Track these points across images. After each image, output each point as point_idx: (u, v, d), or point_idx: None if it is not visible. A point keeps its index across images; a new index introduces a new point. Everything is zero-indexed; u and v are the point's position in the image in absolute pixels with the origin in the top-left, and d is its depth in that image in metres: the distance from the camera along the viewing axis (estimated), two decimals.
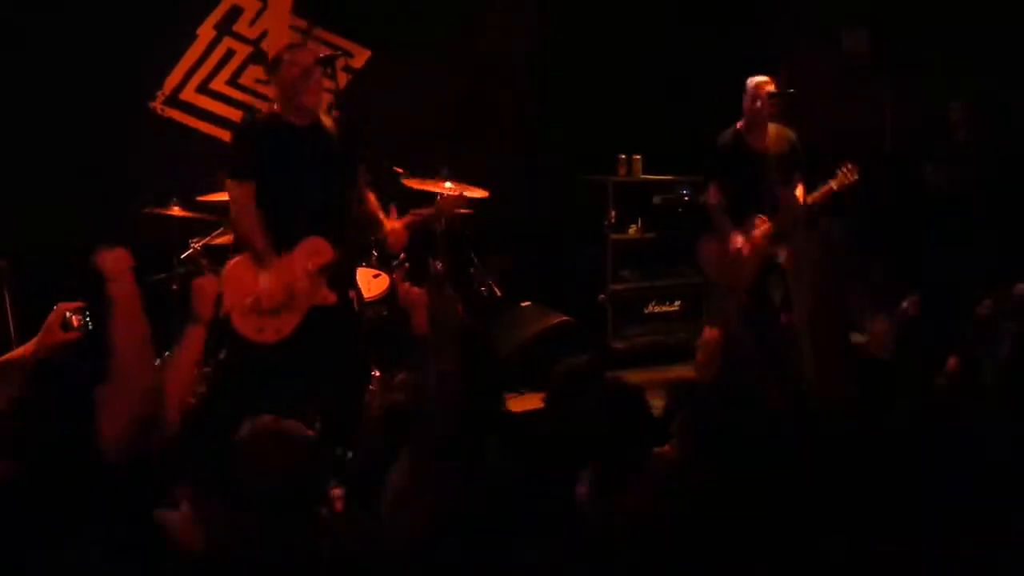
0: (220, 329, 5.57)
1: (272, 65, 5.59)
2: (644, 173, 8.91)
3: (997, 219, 7.95)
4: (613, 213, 8.65)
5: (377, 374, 6.59)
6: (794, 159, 7.12)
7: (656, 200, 8.89)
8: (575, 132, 8.80)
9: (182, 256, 6.78)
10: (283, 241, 5.49)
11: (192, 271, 6.57)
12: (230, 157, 5.68)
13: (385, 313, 6.78)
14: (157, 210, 6.90)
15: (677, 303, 8.84)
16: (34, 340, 4.22)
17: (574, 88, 8.85)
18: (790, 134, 7.18)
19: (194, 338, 3.79)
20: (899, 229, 8.75)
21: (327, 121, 5.60)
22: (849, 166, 6.99)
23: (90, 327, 4.22)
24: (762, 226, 7.07)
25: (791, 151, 7.12)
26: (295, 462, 3.16)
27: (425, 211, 5.97)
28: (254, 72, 7.87)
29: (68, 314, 4.19)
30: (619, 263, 8.70)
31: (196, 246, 6.77)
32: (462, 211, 7.41)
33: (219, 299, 4.97)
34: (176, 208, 6.90)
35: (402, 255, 7.20)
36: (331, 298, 5.54)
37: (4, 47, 7.12)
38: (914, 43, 8.77)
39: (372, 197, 5.88)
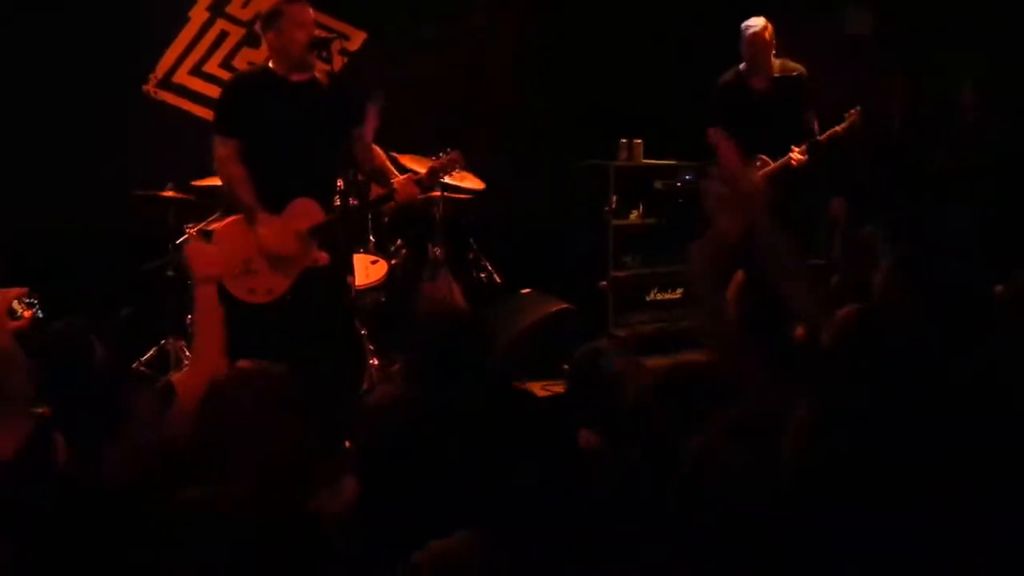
0: None
1: (269, 18, 5.45)
2: (646, 158, 8.78)
3: (1005, 204, 7.86)
4: (614, 198, 8.52)
5: (375, 362, 6.48)
6: (802, 95, 6.98)
7: (657, 185, 8.77)
8: (575, 116, 8.69)
9: (177, 242, 6.67)
10: (273, 200, 5.42)
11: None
12: (217, 113, 5.62)
13: (383, 300, 6.68)
14: (149, 192, 6.82)
15: (679, 290, 8.71)
16: None
17: (574, 72, 8.73)
18: (797, 69, 7.03)
19: (206, 299, 3.66)
20: (904, 214, 8.64)
21: (323, 77, 5.52)
22: (855, 111, 6.90)
23: (40, 315, 4.09)
24: (763, 168, 6.94)
25: (798, 88, 6.98)
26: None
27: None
28: (248, 54, 7.76)
29: (14, 303, 4.05)
30: (620, 249, 8.56)
31: (192, 231, 6.67)
32: (461, 196, 7.34)
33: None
34: (169, 191, 6.81)
35: (399, 241, 7.11)
36: (323, 259, 5.48)
37: None
38: (920, 23, 8.65)
39: (379, 151, 5.79)
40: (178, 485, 2.86)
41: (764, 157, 6.95)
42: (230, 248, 5.40)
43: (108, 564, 2.69)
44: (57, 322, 3.98)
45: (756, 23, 6.94)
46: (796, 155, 6.91)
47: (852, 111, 6.95)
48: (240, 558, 2.69)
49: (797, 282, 4.07)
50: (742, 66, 7.02)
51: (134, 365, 6.64)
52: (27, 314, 4.09)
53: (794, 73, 7.01)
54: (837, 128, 6.95)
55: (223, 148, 5.42)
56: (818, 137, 6.94)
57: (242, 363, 3.25)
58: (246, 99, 5.45)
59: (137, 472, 3.01)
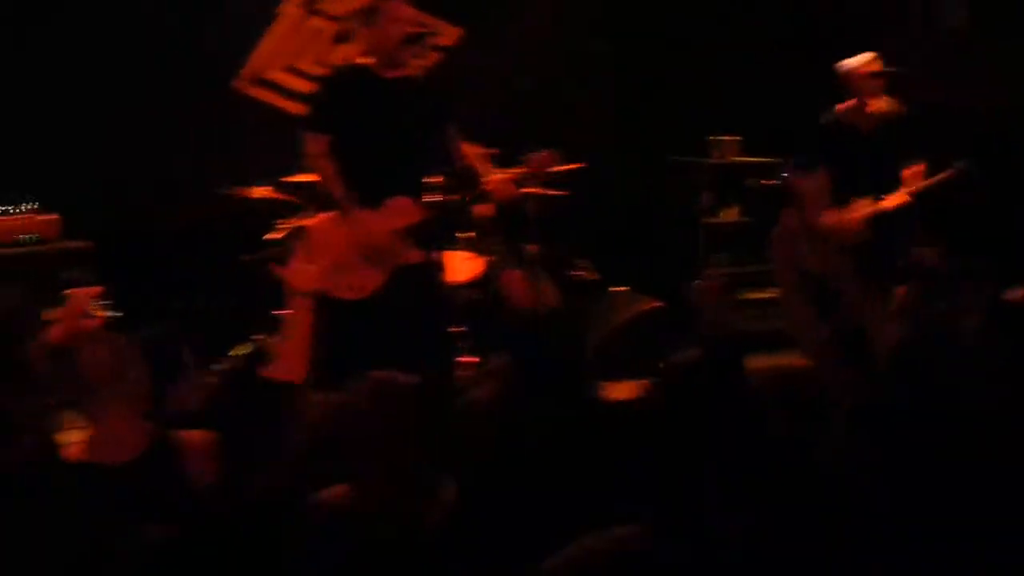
0: None
1: (365, 14, 5.45)
2: (739, 155, 8.69)
3: None
4: (706, 196, 8.44)
5: (470, 360, 6.44)
6: (906, 137, 6.76)
7: (748, 183, 8.68)
8: (668, 113, 8.60)
9: (270, 237, 6.69)
10: (366, 196, 5.40)
11: (280, 253, 6.49)
12: (310, 109, 5.63)
13: (478, 297, 6.64)
14: (239, 191, 6.86)
15: (771, 289, 8.60)
16: (58, 328, 4.08)
17: (671, 67, 8.64)
18: (900, 110, 6.82)
19: (302, 309, 3.65)
20: (996, 217, 8.45)
21: (417, 73, 5.50)
22: (962, 165, 6.65)
23: (114, 315, 4.12)
24: (862, 208, 6.75)
25: (901, 130, 6.77)
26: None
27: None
28: (341, 50, 7.75)
29: (91, 303, 4.09)
30: (713, 248, 8.49)
31: (283, 227, 6.68)
32: (556, 192, 7.27)
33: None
34: (258, 189, 6.84)
35: (493, 238, 7.07)
36: (415, 257, 5.47)
37: (83, 27, 7.10)
38: (1016, 17, 8.45)
39: (469, 149, 5.73)
40: (305, 488, 2.88)
41: (863, 199, 6.73)
42: (323, 244, 5.40)
43: (238, 563, 2.68)
44: (150, 328, 4.01)
45: (863, 63, 6.68)
46: (895, 202, 6.66)
47: (959, 166, 6.66)
48: (361, 562, 2.69)
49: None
50: (847, 103, 6.77)
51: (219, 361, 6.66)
52: (101, 314, 4.12)
53: (897, 113, 6.76)
54: (942, 177, 6.67)
55: (314, 144, 5.43)
56: (923, 188, 6.66)
57: (375, 374, 3.27)
58: (340, 95, 5.45)
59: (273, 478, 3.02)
